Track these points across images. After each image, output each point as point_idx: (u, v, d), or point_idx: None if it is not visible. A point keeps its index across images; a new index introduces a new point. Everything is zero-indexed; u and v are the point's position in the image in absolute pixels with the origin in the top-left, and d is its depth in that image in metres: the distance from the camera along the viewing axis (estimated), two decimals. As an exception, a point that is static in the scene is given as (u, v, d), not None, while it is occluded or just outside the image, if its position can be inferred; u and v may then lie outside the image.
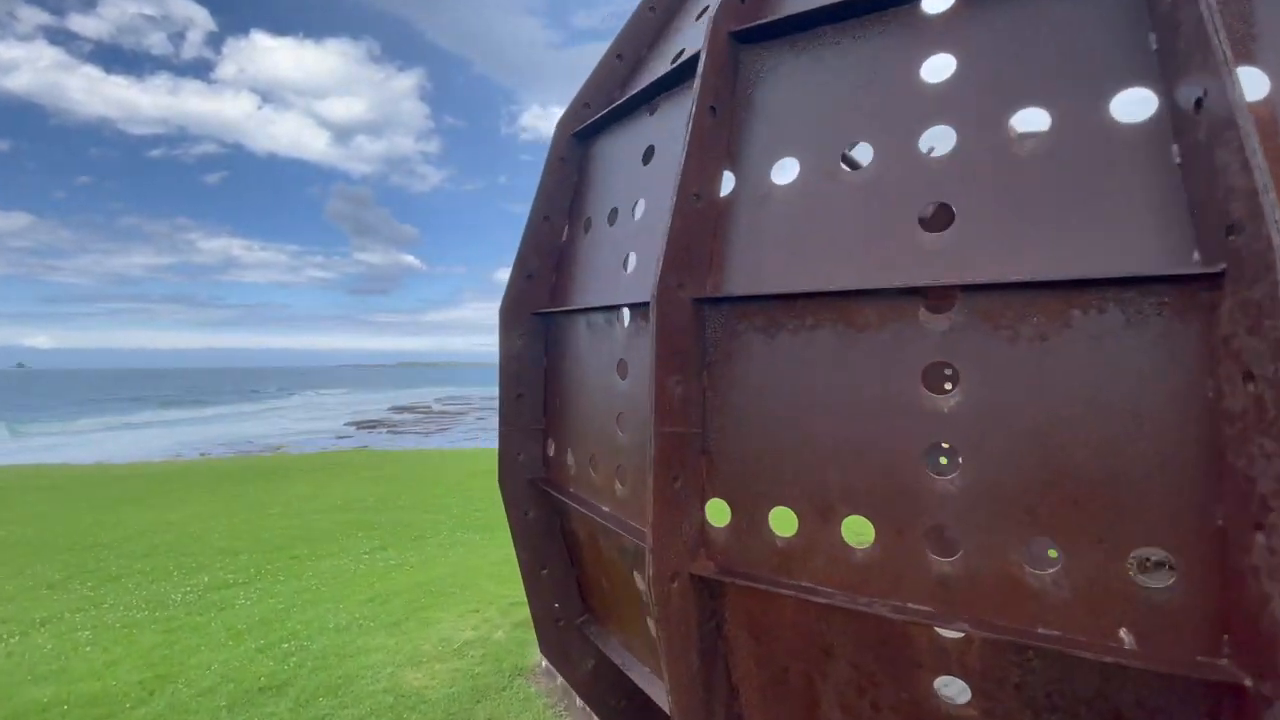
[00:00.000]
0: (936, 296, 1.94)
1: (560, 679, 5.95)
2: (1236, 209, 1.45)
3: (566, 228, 3.56)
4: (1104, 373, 1.70)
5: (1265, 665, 1.41)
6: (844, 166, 2.31)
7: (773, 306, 2.19)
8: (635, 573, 2.90)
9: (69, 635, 7.27)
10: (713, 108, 2.35)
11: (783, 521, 2.18)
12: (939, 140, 2.05)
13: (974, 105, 1.99)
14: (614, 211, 3.13)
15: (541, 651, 3.75)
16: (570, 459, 3.37)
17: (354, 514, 14.18)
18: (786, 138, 2.33)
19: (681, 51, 3.02)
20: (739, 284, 2.29)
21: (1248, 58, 1.74)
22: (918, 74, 2.10)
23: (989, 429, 1.85)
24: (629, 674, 3.23)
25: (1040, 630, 1.80)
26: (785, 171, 2.28)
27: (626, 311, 2.83)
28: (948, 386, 1.95)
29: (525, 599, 8.02)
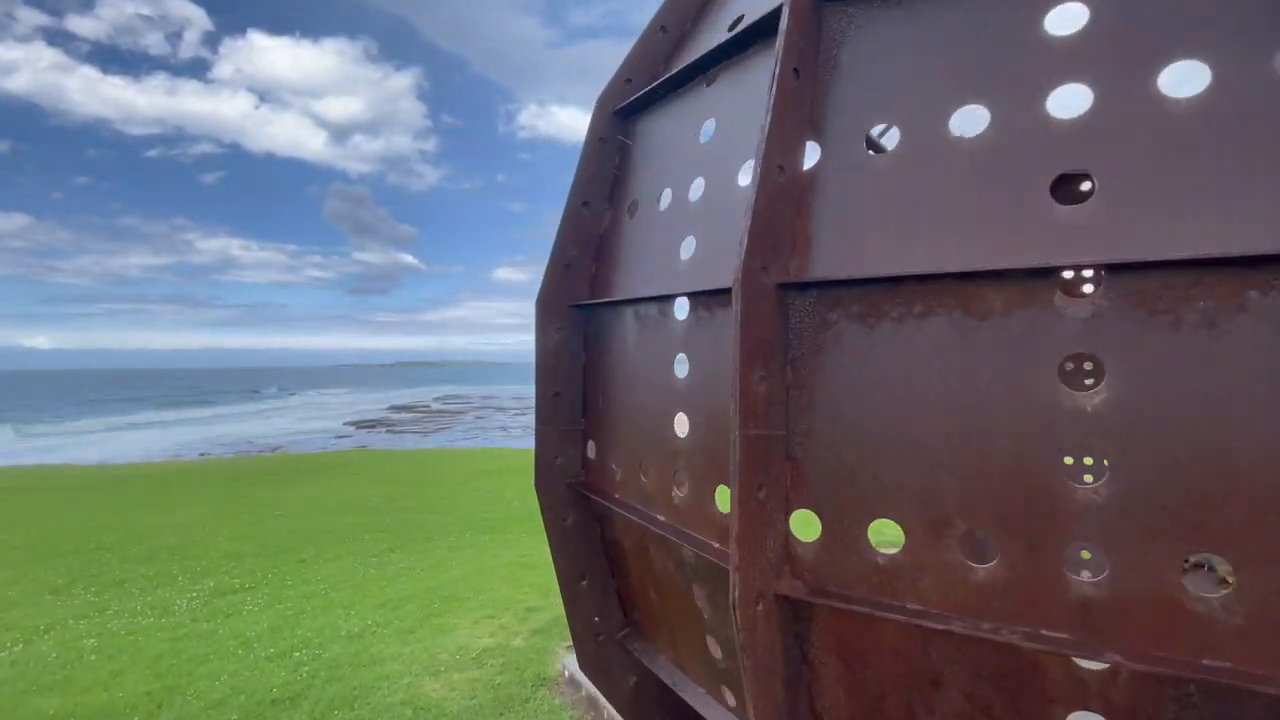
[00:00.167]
0: (1076, 278, 1.68)
1: (585, 690, 5.71)
2: None
3: (609, 213, 3.30)
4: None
5: None
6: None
7: (873, 292, 1.94)
8: (696, 586, 2.65)
9: (74, 643, 7.02)
10: (796, 70, 2.09)
11: (884, 535, 1.93)
12: (1070, 100, 1.79)
13: (1114, 60, 1.73)
14: (665, 193, 2.87)
15: (580, 667, 3.50)
16: (615, 462, 3.12)
17: (360, 515, 13.93)
18: (881, 103, 2.07)
19: (739, 18, 2.76)
20: (830, 266, 2.03)
21: None
22: (1041, 26, 1.84)
23: (1142, 430, 1.60)
24: (681, 694, 2.98)
25: (1206, 661, 1.55)
26: (884, 140, 2.02)
27: (685, 302, 2.58)
28: (1088, 381, 1.69)
29: (541, 604, 7.83)
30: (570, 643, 6.86)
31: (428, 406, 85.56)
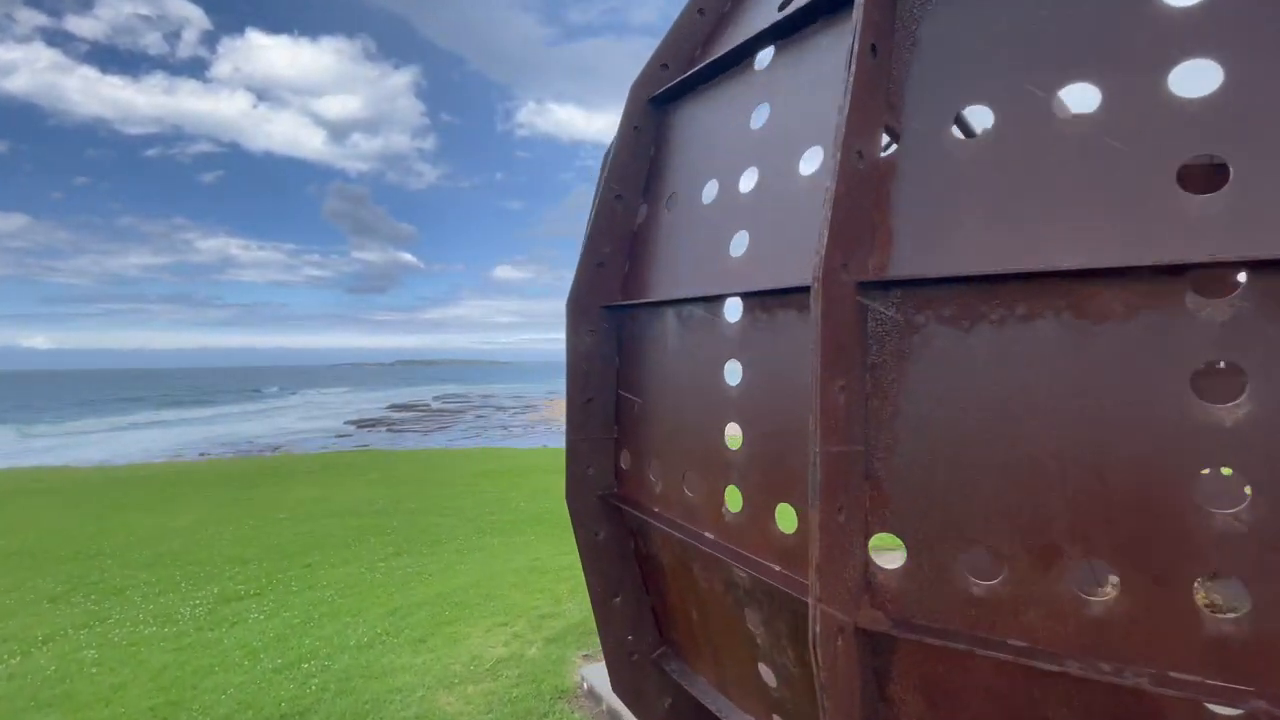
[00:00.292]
0: (1211, 277, 1.49)
1: (606, 703, 5.53)
2: None
3: (643, 207, 3.10)
4: None
5: None
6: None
7: (968, 291, 1.74)
8: (749, 610, 2.46)
9: (73, 655, 6.82)
10: (874, 47, 1.89)
11: (979, 564, 1.73)
12: (1196, 77, 1.59)
13: (1246, 30, 1.53)
14: (710, 185, 2.67)
15: (613, 689, 3.31)
16: (653, 473, 2.92)
17: (365, 518, 13.73)
18: (969, 82, 1.87)
19: (789, -3, 2.56)
20: (915, 263, 1.83)
21: None
22: (1159, -7, 1.64)
23: (1295, 449, 1.40)
24: (726, 721, 2.78)
25: (1373, 713, 1.35)
26: (973, 121, 1.82)
27: (737, 302, 2.38)
28: (1227, 393, 1.49)
29: (555, 611, 7.63)
30: (587, 653, 6.69)
31: (427, 406, 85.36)
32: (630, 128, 3.07)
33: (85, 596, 8.78)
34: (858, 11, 1.86)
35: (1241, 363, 1.46)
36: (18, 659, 6.74)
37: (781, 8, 2.56)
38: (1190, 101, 1.58)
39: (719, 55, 2.69)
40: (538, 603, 7.87)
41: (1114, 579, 1.59)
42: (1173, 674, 1.52)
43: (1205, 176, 1.59)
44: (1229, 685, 1.47)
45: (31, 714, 5.61)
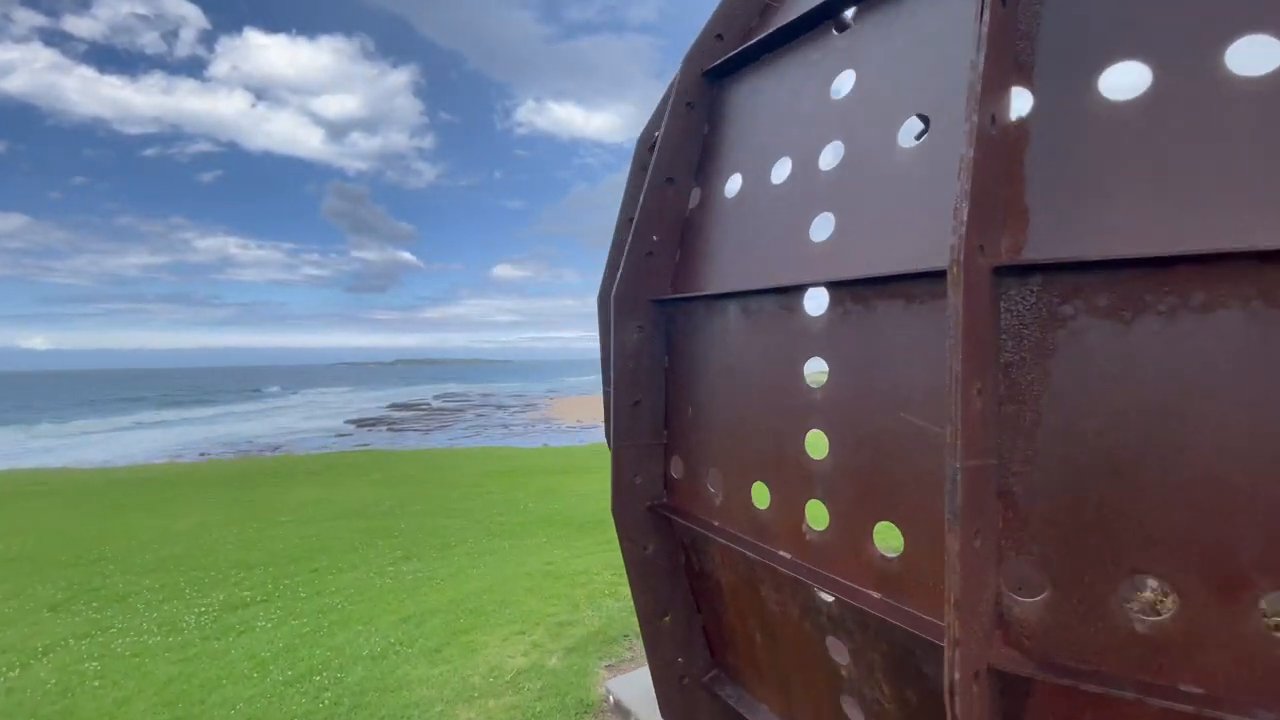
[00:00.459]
0: None
1: (635, 717, 5.27)
2: None
3: (698, 191, 2.84)
4: None
5: None
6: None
7: (1128, 277, 1.48)
8: (834, 639, 2.20)
9: (74, 667, 6.55)
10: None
11: (1142, 596, 1.47)
12: None
13: None
14: (781, 164, 2.41)
15: (662, 713, 3.05)
16: (712, 484, 2.66)
17: (371, 520, 13.47)
18: (1117, 36, 1.60)
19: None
20: (1058, 244, 1.57)
21: None
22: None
23: None
24: (795, 756, 2.53)
25: None
26: (1119, 82, 1.55)
27: (821, 293, 2.11)
28: None
29: (573, 618, 7.36)
30: (610, 663, 6.43)
31: (428, 404, 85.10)
32: (682, 104, 2.80)
33: (87, 604, 8.52)
34: (987, -47, 1.59)
35: None
36: (17, 671, 6.48)
37: (860, -35, 2.29)
38: None
39: (789, 20, 2.42)
40: (555, 609, 7.61)
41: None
42: (1402, 734, 1.26)
43: None
44: None
45: (31, 731, 5.36)
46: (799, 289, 2.18)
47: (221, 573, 9.81)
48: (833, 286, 2.06)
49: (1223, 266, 1.39)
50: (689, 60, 2.80)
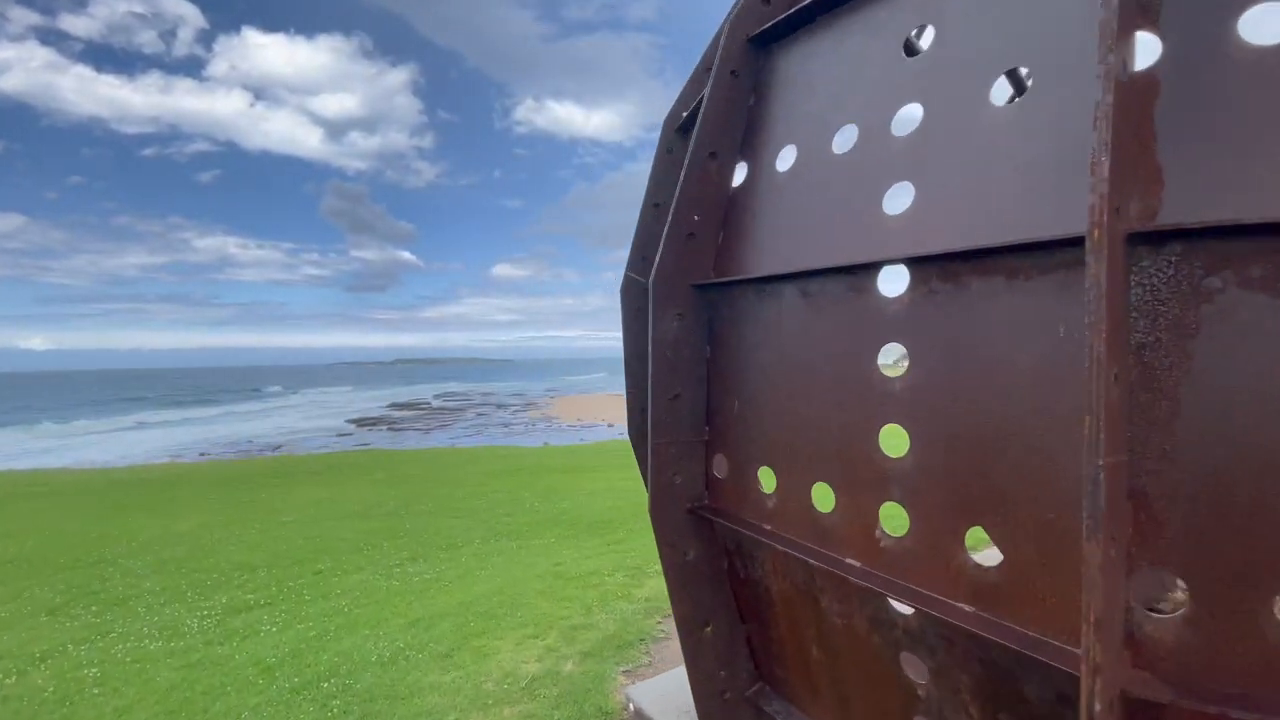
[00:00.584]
0: None
1: (657, 727, 5.07)
2: None
3: (744, 166, 2.63)
4: None
5: None
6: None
7: (1295, 243, 1.26)
8: (909, 655, 1.99)
9: (73, 674, 6.35)
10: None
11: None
12: None
13: None
14: (845, 131, 2.20)
15: (701, 732, 2.84)
16: (763, 484, 2.45)
17: (375, 520, 13.26)
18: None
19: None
20: (1199, 207, 1.36)
21: None
22: None
23: None
24: (855, 779, 2.32)
25: None
26: (1262, 26, 1.34)
27: (899, 272, 1.90)
28: None
29: (586, 621, 7.15)
30: (627, 668, 6.22)
31: (428, 404, 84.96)
32: (726, 73, 2.59)
33: (86, 608, 8.32)
34: None
35: None
36: (13, 679, 6.27)
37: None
38: None
39: (854, -25, 2.21)
40: (567, 612, 7.40)
41: None
42: None
43: None
44: None
45: (29, 742, 5.16)
46: (872, 267, 1.97)
47: (224, 575, 9.61)
48: (915, 263, 1.85)
49: None
50: (733, 26, 2.59)
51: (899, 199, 1.94)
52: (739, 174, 2.66)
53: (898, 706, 2.10)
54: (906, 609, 1.92)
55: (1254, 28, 1.41)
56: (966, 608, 1.73)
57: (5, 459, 36.34)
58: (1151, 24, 1.49)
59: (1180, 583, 1.39)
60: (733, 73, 2.60)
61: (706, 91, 2.61)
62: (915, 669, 1.99)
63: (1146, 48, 1.49)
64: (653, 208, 4.06)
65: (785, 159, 2.43)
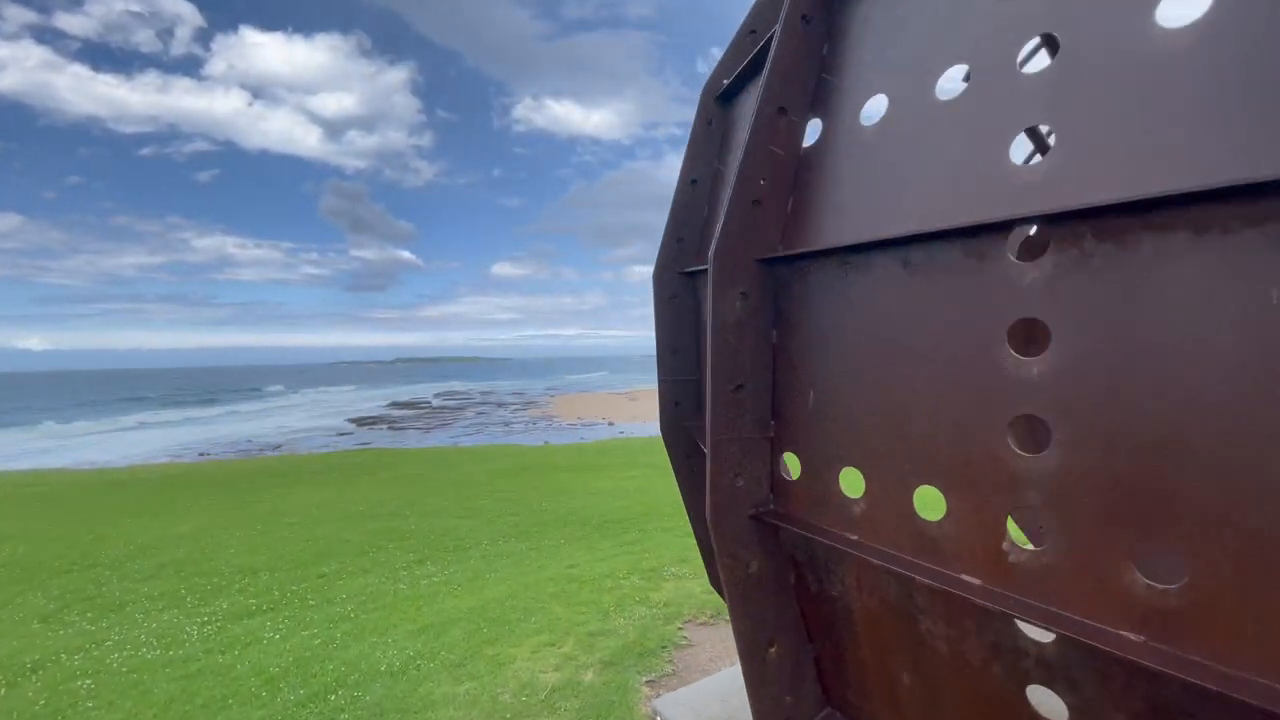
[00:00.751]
0: None
1: (688, 743, 4.75)
2: None
3: (817, 123, 2.30)
4: None
5: None
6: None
7: None
8: (1037, 689, 1.67)
9: (66, 685, 6.03)
10: None
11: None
12: None
13: None
14: (950, 74, 1.88)
15: (764, 765, 2.52)
16: (846, 487, 2.13)
17: (380, 521, 12.95)
18: None
19: None
20: None
21: None
22: None
23: None
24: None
25: None
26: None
27: (1039, 232, 1.58)
28: None
29: (604, 627, 6.82)
30: (651, 678, 5.90)
31: (428, 403, 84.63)
32: (797, 18, 2.27)
33: (80, 614, 8.00)
34: None
35: None
36: (3, 691, 5.95)
37: None
38: None
39: (957, -108, 1.88)
40: (584, 618, 7.09)
41: None
42: None
43: None
44: None
45: (17, 762, 4.84)
46: (999, 227, 1.65)
47: (224, 579, 9.29)
48: (1056, 221, 1.53)
49: None
50: (805, -36, 2.27)
51: (1027, 149, 1.62)
52: (810, 133, 2.34)
53: (1018, 748, 1.78)
54: (1043, 635, 1.61)
55: None
56: (1134, 637, 1.41)
57: (4, 459, 36.02)
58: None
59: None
60: (804, 18, 2.28)
61: (774, 42, 2.29)
62: (1047, 704, 1.68)
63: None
64: (690, 184, 3.75)
65: (873, 110, 2.10)
